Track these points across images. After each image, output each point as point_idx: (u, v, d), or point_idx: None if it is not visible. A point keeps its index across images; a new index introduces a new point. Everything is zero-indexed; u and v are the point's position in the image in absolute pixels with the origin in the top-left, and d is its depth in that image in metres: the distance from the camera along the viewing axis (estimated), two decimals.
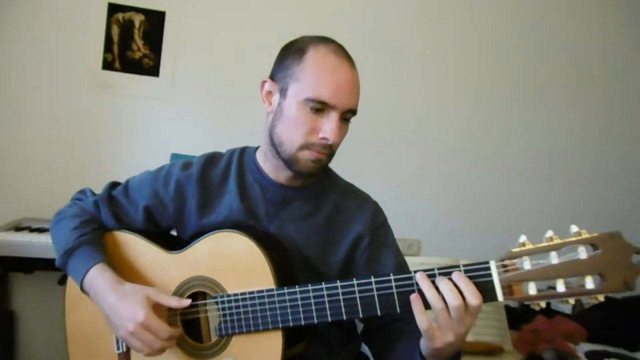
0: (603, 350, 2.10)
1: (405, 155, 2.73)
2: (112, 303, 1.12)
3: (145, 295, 1.12)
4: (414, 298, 0.96)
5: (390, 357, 1.18)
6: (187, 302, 1.16)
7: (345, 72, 1.13)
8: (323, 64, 1.12)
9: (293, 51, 1.16)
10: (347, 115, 1.15)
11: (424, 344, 1.00)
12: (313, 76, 1.12)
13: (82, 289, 1.18)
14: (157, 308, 1.13)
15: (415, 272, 0.99)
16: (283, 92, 1.16)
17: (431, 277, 0.97)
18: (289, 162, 1.18)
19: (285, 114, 1.15)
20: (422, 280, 0.96)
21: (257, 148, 1.31)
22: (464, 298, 0.93)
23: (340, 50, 1.16)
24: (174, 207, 1.27)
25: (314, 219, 1.25)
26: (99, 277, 1.15)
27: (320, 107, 1.12)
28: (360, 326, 1.34)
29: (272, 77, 1.20)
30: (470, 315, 0.94)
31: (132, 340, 1.11)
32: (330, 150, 1.16)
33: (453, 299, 0.92)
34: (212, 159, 1.30)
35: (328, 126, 1.12)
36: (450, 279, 0.94)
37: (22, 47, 2.31)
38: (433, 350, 0.98)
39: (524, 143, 2.83)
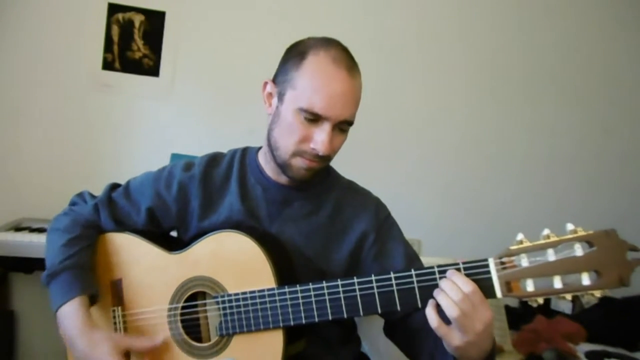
0: (603, 350, 2.10)
1: (406, 155, 2.73)
2: (82, 351, 1.10)
3: (115, 344, 1.10)
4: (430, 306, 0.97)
5: (422, 355, 1.17)
6: (159, 339, 1.16)
7: (341, 83, 1.11)
8: (319, 73, 1.11)
9: (294, 55, 1.15)
10: (342, 125, 1.14)
11: (449, 349, 1.00)
12: (308, 86, 1.10)
13: (56, 316, 1.15)
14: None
15: (416, 270, 1.01)
16: (281, 97, 1.15)
17: (431, 274, 0.99)
18: (283, 167, 1.18)
19: (281, 118, 1.15)
20: (439, 294, 0.97)
21: (259, 148, 1.31)
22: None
23: (340, 57, 1.13)
24: (177, 208, 1.27)
25: (315, 218, 1.25)
26: (72, 317, 1.12)
27: (313, 118, 1.11)
28: (360, 327, 1.34)
29: (274, 78, 1.19)
30: (481, 306, 0.94)
31: None
32: (322, 159, 1.16)
33: (455, 294, 0.94)
34: (214, 159, 1.30)
35: (319, 137, 1.11)
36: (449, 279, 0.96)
37: (22, 47, 2.32)
38: (456, 350, 0.98)
39: (524, 143, 2.83)
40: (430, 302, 0.97)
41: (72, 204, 1.35)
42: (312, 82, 1.10)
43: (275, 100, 1.18)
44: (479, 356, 0.99)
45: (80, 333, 1.10)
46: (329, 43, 1.15)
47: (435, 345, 1.11)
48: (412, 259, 1.25)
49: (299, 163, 1.15)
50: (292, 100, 1.13)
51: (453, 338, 0.96)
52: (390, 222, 1.30)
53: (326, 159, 1.16)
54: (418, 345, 1.18)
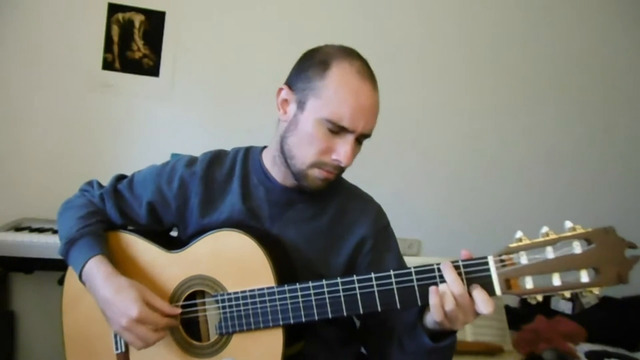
0: (603, 350, 2.10)
1: (406, 155, 2.73)
2: (106, 296, 1.12)
3: (140, 292, 1.12)
4: (433, 290, 0.97)
5: (391, 346, 1.18)
6: (178, 310, 1.17)
7: (367, 96, 1.11)
8: (346, 86, 1.10)
9: (316, 63, 1.13)
10: (362, 138, 1.15)
11: (430, 321, 1.03)
12: (335, 97, 1.09)
13: (80, 279, 1.18)
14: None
15: (416, 267, 1.01)
16: (301, 105, 1.14)
17: (430, 272, 1.00)
18: (298, 176, 1.17)
19: (300, 127, 1.14)
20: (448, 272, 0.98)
21: (263, 148, 1.30)
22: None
23: (364, 69, 1.12)
24: (177, 204, 1.27)
25: (317, 221, 1.24)
26: (95, 269, 1.15)
27: (337, 130, 1.10)
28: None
29: (290, 85, 1.17)
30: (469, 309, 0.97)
31: (125, 334, 1.12)
32: (341, 170, 1.16)
33: (457, 288, 0.96)
34: (217, 157, 1.30)
35: (343, 149, 1.11)
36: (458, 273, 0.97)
37: (22, 47, 2.32)
38: (438, 326, 1.01)
39: (524, 143, 2.83)
40: (436, 292, 0.98)
41: (82, 190, 1.37)
42: (339, 94, 1.09)
43: (292, 108, 1.16)
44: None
45: (105, 279, 1.14)
46: (351, 54, 1.15)
47: (405, 330, 1.13)
48: None
49: (315, 174, 1.15)
50: (315, 109, 1.11)
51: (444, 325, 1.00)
52: (389, 232, 1.30)
53: (343, 170, 1.17)
54: (390, 341, 1.19)
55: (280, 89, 1.19)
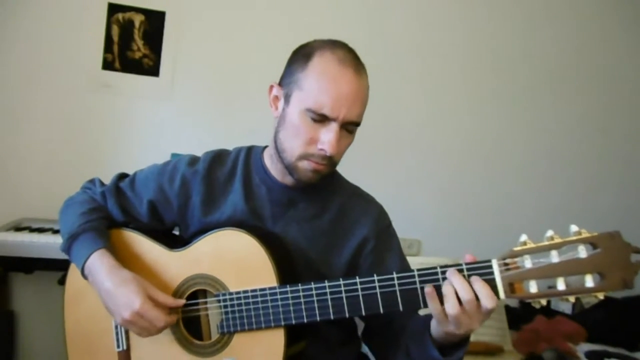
0: (603, 350, 2.10)
1: (405, 155, 2.73)
2: (109, 289, 1.13)
3: (142, 286, 1.13)
4: (430, 292, 0.97)
5: (396, 350, 1.18)
6: (182, 302, 1.17)
7: (348, 83, 1.10)
8: (325, 74, 1.10)
9: (300, 56, 1.15)
10: (348, 126, 1.14)
11: (435, 327, 1.03)
12: (314, 86, 1.10)
13: (82, 274, 1.18)
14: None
15: (418, 270, 1.01)
16: (287, 99, 1.15)
17: (434, 275, 1.00)
18: (289, 170, 1.18)
19: (287, 121, 1.15)
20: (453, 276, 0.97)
21: (264, 148, 1.31)
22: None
23: (347, 58, 1.13)
24: (178, 203, 1.27)
25: (319, 221, 1.25)
26: (98, 262, 1.16)
27: (319, 118, 1.10)
28: (361, 328, 1.34)
29: (280, 81, 1.19)
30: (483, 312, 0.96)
31: (129, 326, 1.13)
32: (330, 161, 1.15)
33: (465, 293, 0.95)
34: (219, 156, 1.31)
35: (326, 137, 1.11)
36: (463, 276, 0.96)
37: (22, 47, 2.31)
38: (444, 334, 1.01)
39: (524, 143, 2.83)
40: (433, 293, 0.98)
41: (85, 188, 1.37)
42: (319, 82, 1.10)
43: (281, 103, 1.18)
44: (459, 339, 1.03)
45: (109, 272, 1.14)
46: (335, 44, 1.15)
47: (412, 338, 1.13)
48: None
49: (305, 165, 1.15)
50: (298, 101, 1.12)
51: (448, 329, 0.99)
52: (391, 232, 1.30)
53: (333, 161, 1.16)
54: (395, 346, 1.19)
55: (271, 87, 1.21)
